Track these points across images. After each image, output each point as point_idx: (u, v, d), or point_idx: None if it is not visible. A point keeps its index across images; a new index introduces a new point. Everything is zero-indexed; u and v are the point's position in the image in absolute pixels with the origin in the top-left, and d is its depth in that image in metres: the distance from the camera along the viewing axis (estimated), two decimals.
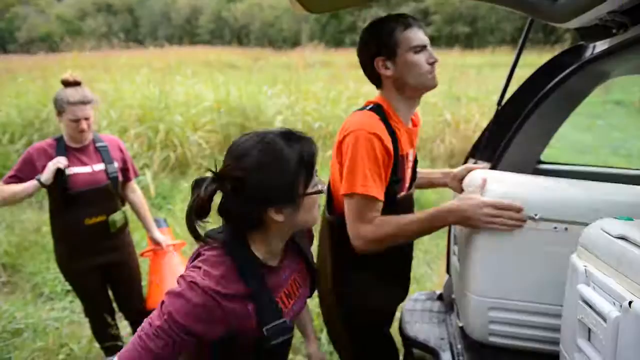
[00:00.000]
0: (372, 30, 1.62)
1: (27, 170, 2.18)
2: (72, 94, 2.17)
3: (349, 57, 16.43)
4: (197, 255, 1.13)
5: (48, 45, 15.90)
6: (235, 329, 1.07)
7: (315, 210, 1.15)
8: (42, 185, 2.15)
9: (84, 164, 2.27)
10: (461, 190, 1.79)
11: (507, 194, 1.50)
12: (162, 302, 1.03)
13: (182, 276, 1.06)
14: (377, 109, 1.62)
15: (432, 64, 1.59)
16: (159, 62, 12.52)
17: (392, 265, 1.78)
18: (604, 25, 1.72)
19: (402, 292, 1.90)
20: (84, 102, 2.18)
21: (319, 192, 1.11)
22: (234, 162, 1.06)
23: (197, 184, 1.06)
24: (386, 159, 1.54)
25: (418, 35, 1.58)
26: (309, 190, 1.10)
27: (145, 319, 1.05)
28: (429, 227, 1.56)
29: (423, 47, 1.58)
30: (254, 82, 9.03)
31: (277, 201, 1.06)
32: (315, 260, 1.92)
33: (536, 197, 1.51)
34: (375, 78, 1.66)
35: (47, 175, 2.14)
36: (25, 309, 3.22)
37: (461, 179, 1.84)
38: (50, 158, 2.19)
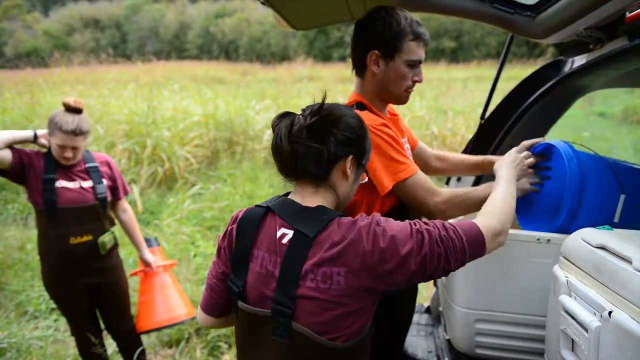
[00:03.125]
0: (383, 21, 1.54)
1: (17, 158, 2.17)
2: (67, 121, 2.13)
3: (337, 71, 16.60)
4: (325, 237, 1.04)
5: (35, 61, 15.80)
6: None
7: (355, 189, 1.22)
8: (35, 139, 2.21)
9: (71, 179, 2.25)
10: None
11: None
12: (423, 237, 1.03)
13: (370, 229, 1.03)
14: (361, 107, 1.60)
15: (415, 82, 1.61)
16: (146, 77, 12.52)
17: None
18: (581, 41, 1.77)
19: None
20: (76, 134, 2.15)
21: (366, 172, 1.21)
22: (334, 110, 1.13)
23: (280, 116, 1.13)
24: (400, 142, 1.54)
25: (419, 52, 1.57)
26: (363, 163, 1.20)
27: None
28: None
29: (418, 63, 1.59)
30: (242, 97, 9.06)
31: (358, 153, 1.15)
32: None
33: None
34: (359, 65, 1.62)
35: (44, 137, 2.22)
36: (8, 328, 3.15)
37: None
38: (37, 169, 2.18)
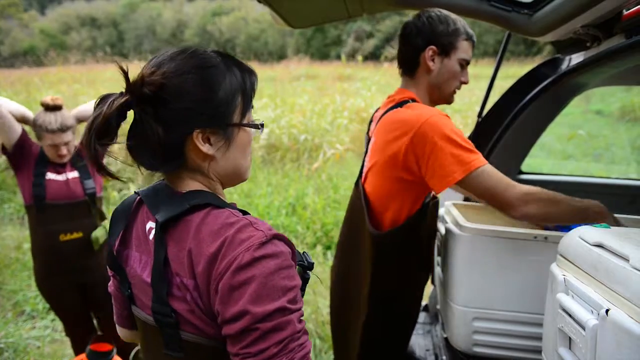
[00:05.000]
0: (441, 19, 1.59)
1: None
2: (50, 120, 2.12)
3: (334, 69, 16.59)
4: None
5: (32, 60, 15.76)
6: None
7: (249, 155, 0.92)
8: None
9: (58, 172, 2.23)
10: None
11: None
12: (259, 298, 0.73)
13: (241, 241, 0.75)
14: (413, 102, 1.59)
15: (462, 83, 1.65)
16: None
17: (423, 279, 1.77)
18: (578, 39, 1.77)
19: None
20: (63, 130, 2.14)
21: (257, 126, 0.90)
22: (153, 69, 0.81)
23: (101, 100, 0.81)
24: None
25: (470, 52, 1.63)
26: (246, 121, 0.88)
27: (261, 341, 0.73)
28: (583, 215, 1.45)
29: (467, 64, 1.63)
30: None
31: (205, 121, 0.82)
32: (337, 269, 1.88)
33: None
34: (412, 63, 1.63)
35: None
36: (5, 328, 3.14)
37: None
38: (31, 161, 2.19)
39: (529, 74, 2.22)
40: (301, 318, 0.77)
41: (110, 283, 1.01)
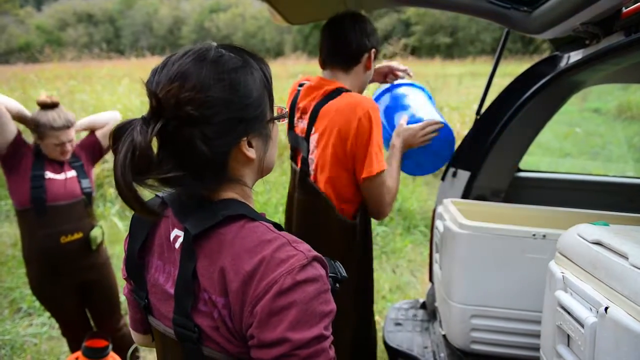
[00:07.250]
0: (371, 22, 1.70)
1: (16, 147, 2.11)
2: (54, 118, 2.08)
3: None
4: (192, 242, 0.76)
5: (27, 56, 15.69)
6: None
7: (277, 146, 0.91)
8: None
9: (57, 172, 2.20)
10: (382, 80, 2.01)
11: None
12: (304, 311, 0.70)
13: (281, 261, 0.71)
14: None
15: None
16: (140, 72, 12.41)
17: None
18: (577, 36, 1.76)
19: None
20: (68, 126, 2.12)
21: (283, 116, 0.89)
22: (179, 83, 0.72)
23: (120, 130, 0.70)
24: None
25: None
26: (274, 113, 0.87)
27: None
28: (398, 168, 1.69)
29: None
30: None
31: (250, 127, 0.79)
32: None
33: None
34: (353, 60, 1.67)
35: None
36: (2, 325, 3.13)
37: (382, 73, 1.99)
38: (26, 163, 2.13)
39: (527, 72, 2.22)
40: (331, 344, 0.74)
41: (124, 286, 0.98)
